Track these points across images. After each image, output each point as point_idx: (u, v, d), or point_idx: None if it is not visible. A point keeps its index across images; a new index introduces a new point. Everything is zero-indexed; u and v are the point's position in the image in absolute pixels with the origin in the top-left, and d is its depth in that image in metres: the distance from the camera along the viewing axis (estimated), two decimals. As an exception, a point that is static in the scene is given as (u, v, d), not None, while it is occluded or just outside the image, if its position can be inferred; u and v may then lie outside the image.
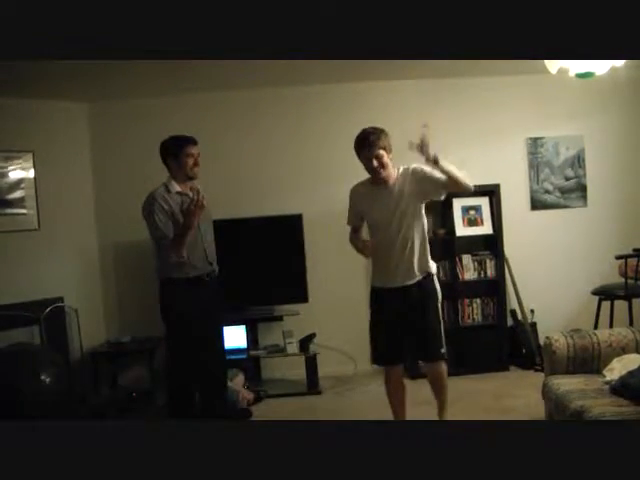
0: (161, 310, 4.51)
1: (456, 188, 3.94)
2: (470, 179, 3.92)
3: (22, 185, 5.68)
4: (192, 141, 4.36)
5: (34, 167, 5.74)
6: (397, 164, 4.05)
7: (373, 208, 4.09)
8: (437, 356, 4.10)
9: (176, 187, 4.33)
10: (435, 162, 3.77)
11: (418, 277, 4.03)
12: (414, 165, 4.01)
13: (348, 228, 6.10)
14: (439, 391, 4.18)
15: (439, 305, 4.11)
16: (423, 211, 4.06)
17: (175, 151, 4.32)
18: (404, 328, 4.10)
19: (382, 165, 3.95)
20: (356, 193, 4.20)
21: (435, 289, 4.09)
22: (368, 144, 3.93)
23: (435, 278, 4.12)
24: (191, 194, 4.25)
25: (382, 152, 3.93)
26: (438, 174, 3.88)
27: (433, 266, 4.13)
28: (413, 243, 4.00)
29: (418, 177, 3.97)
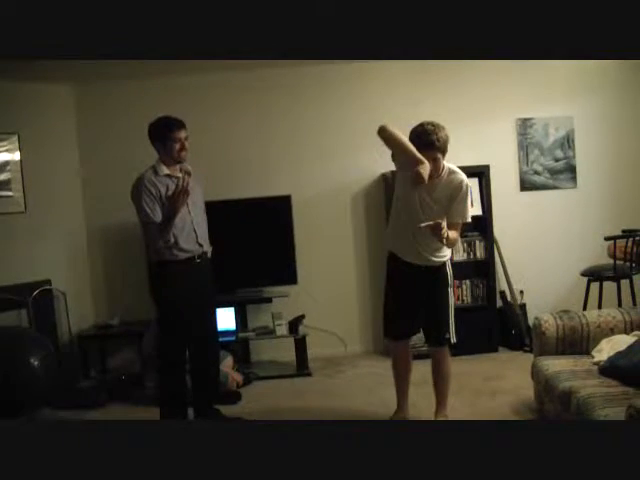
0: (151, 292, 4.50)
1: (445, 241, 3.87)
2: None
3: (8, 167, 5.62)
4: (179, 125, 4.31)
5: (20, 149, 5.68)
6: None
7: (409, 194, 3.89)
8: (440, 342, 4.09)
9: (164, 170, 4.30)
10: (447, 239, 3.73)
11: (435, 262, 3.98)
12: (463, 180, 3.85)
13: (337, 208, 6.14)
14: (439, 380, 4.15)
15: (450, 290, 4.06)
16: None
17: (162, 135, 4.28)
18: (415, 306, 4.08)
19: (436, 169, 3.77)
20: (403, 175, 3.95)
21: (448, 275, 4.05)
22: (429, 144, 3.72)
23: (449, 263, 4.07)
24: (180, 176, 4.23)
25: (437, 156, 3.74)
26: (462, 212, 3.87)
27: (449, 251, 4.07)
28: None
29: (454, 197, 3.83)
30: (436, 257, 3.98)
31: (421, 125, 3.78)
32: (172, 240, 4.23)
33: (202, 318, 4.49)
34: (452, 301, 4.08)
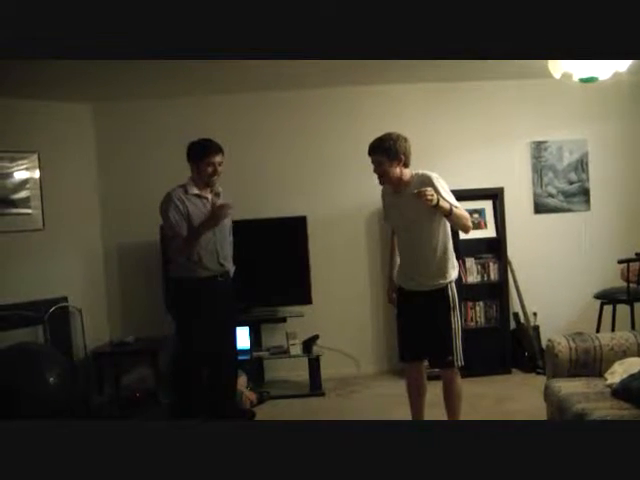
0: (170, 307, 4.55)
1: (454, 224, 3.96)
2: (469, 221, 3.97)
3: (27, 185, 5.70)
4: (216, 150, 4.40)
5: (39, 167, 5.76)
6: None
7: (390, 212, 4.19)
8: (443, 364, 4.11)
9: (194, 189, 4.38)
10: (436, 206, 3.74)
11: (434, 284, 4.00)
12: (432, 175, 3.92)
13: (351, 229, 6.17)
14: (449, 402, 4.15)
15: (452, 313, 4.04)
16: (443, 217, 3.92)
17: (197, 157, 4.38)
18: (418, 331, 4.11)
19: (379, 174, 4.02)
20: (383, 193, 4.28)
21: (450, 298, 4.03)
22: (370, 150, 4.01)
23: (452, 285, 4.04)
24: (209, 197, 4.34)
25: (381, 159, 3.95)
26: (448, 199, 3.84)
27: (454, 272, 4.07)
28: (430, 250, 3.96)
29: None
30: (437, 281, 4.01)
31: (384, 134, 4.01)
32: (196, 257, 4.30)
33: (221, 336, 4.52)
34: (457, 324, 4.06)
